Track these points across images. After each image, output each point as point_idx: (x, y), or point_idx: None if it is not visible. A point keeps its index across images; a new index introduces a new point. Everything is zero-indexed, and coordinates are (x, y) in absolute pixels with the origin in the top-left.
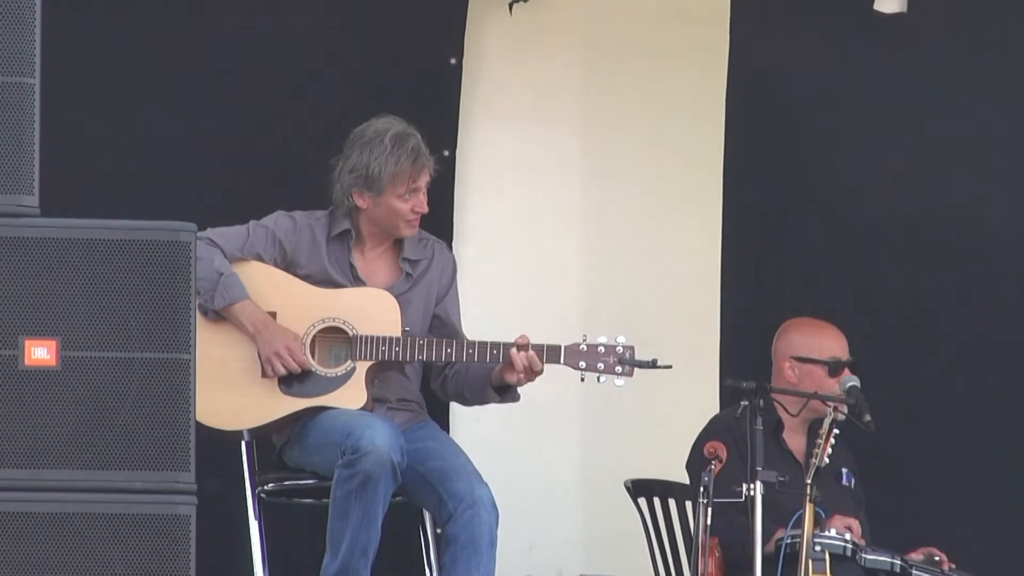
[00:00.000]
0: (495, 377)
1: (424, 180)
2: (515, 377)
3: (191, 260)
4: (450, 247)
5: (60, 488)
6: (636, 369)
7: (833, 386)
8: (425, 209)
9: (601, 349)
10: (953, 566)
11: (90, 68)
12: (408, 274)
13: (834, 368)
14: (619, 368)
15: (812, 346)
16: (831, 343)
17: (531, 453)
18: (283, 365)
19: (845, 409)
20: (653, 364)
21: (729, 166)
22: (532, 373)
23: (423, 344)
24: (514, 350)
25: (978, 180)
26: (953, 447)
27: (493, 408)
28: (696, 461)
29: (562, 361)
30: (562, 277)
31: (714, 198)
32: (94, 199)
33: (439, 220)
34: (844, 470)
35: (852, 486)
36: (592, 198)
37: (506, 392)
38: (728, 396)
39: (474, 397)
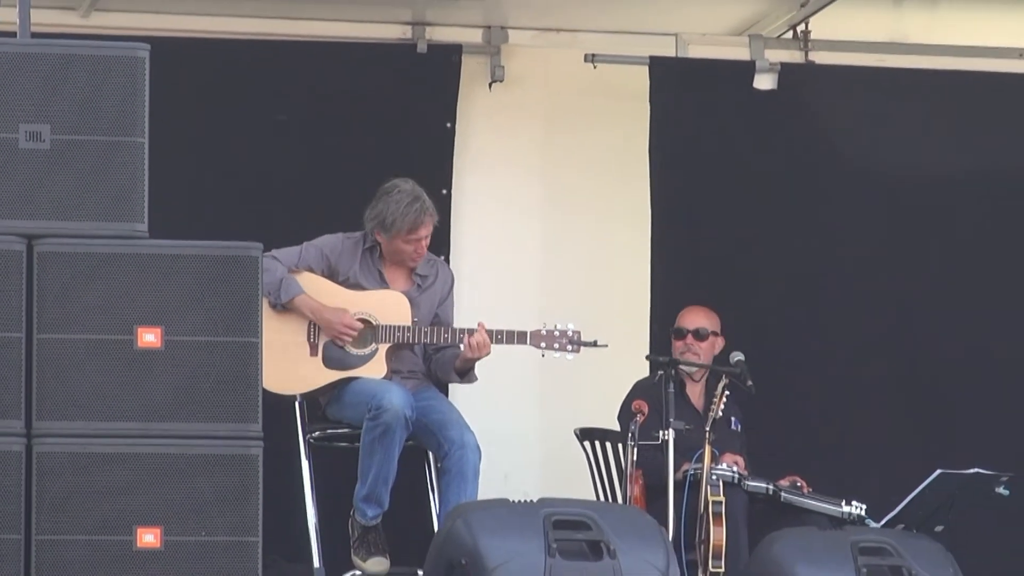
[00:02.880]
0: (459, 364)
1: (424, 232)
2: (470, 352)
3: (258, 270)
4: (448, 261)
5: (165, 436)
6: (582, 348)
7: (705, 351)
8: (423, 253)
9: (556, 333)
10: (810, 489)
11: (189, 127)
12: (419, 285)
13: (677, 334)
14: (569, 347)
15: (687, 321)
16: (697, 319)
17: (505, 409)
18: (345, 334)
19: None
20: (594, 344)
21: (655, 200)
22: (481, 349)
23: (427, 331)
24: (466, 336)
25: (833, 212)
26: (811, 402)
27: (479, 377)
28: (625, 414)
29: (528, 342)
30: (528, 281)
31: (644, 225)
32: (192, 225)
33: (440, 240)
34: (733, 419)
35: (739, 431)
36: (549, 225)
37: (466, 375)
38: (651, 366)
39: (442, 376)
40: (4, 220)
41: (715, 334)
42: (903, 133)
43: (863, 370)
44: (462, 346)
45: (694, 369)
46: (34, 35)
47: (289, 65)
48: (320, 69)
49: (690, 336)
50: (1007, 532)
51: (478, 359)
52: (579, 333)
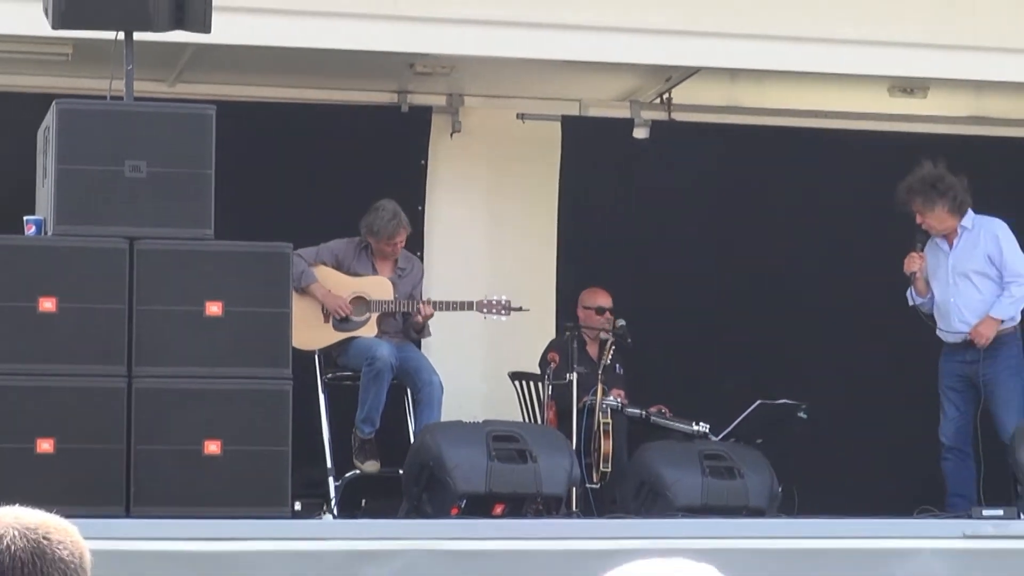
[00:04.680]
0: (414, 324)
1: (399, 239)
2: (419, 317)
3: (289, 263)
4: (421, 259)
5: (225, 376)
6: (512, 312)
7: (601, 321)
8: (399, 252)
9: (494, 301)
10: (671, 414)
11: (243, 164)
12: (399, 274)
13: (598, 312)
14: (503, 312)
15: (589, 300)
16: (598, 299)
17: (460, 357)
18: (341, 313)
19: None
20: (520, 308)
21: (561, 214)
22: (427, 317)
23: (404, 304)
24: (420, 306)
25: (692, 220)
26: (672, 352)
27: (441, 333)
28: (543, 362)
29: (474, 309)
30: (477, 267)
31: (551, 233)
32: (243, 232)
33: (416, 240)
34: (617, 365)
35: (622, 374)
36: (491, 231)
37: (421, 331)
38: (560, 329)
39: (406, 336)
40: (113, 227)
41: (610, 311)
42: (739, 168)
43: (710, 330)
44: (416, 315)
45: (592, 331)
46: (136, 99)
47: (311, 121)
48: (333, 123)
49: (593, 311)
50: (804, 443)
51: (426, 322)
52: (510, 301)
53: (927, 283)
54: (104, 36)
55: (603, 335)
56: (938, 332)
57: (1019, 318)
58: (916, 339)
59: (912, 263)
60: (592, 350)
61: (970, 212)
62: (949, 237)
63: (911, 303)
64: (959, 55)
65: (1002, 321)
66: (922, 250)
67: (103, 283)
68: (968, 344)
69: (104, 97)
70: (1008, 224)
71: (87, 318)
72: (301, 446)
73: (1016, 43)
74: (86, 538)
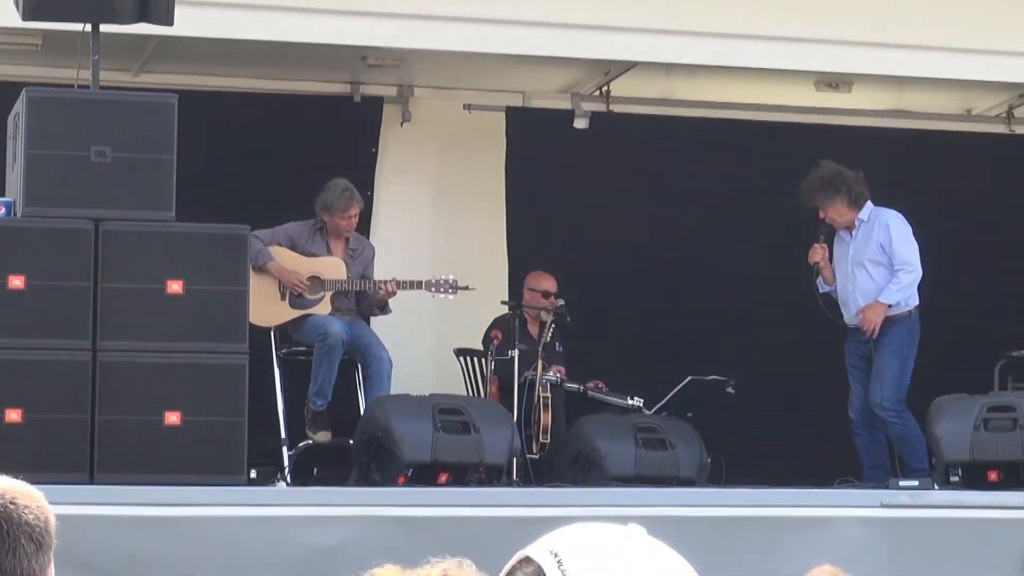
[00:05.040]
0: (377, 301)
1: (353, 212)
2: (382, 294)
3: (246, 245)
4: (371, 236)
5: (185, 351)
6: (459, 291)
7: (545, 303)
8: (353, 227)
9: (442, 281)
10: (607, 389)
11: (204, 148)
12: (351, 255)
13: (544, 295)
14: (450, 290)
15: (535, 283)
16: (543, 283)
17: (409, 334)
18: (298, 288)
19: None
20: (466, 287)
21: (508, 198)
22: (391, 294)
23: (356, 283)
24: (384, 285)
25: (627, 202)
26: (608, 332)
27: (392, 312)
28: (486, 339)
29: (423, 288)
30: (424, 248)
31: (501, 213)
32: (203, 214)
33: (366, 225)
34: (557, 343)
35: (561, 351)
36: (439, 213)
37: (383, 308)
38: (507, 308)
39: (368, 313)
40: (80, 209)
41: (555, 295)
42: (673, 157)
43: (646, 311)
44: (380, 292)
45: (533, 310)
46: (102, 87)
47: (268, 110)
48: (289, 112)
49: (539, 294)
50: (731, 417)
51: (389, 299)
52: (456, 280)
53: (834, 273)
54: (72, 28)
55: (543, 315)
56: (845, 317)
57: (912, 303)
58: (833, 321)
59: (814, 254)
60: (533, 328)
61: (868, 204)
62: (850, 229)
63: (820, 291)
64: (882, 52)
65: (889, 306)
66: (824, 241)
67: (70, 262)
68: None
69: (72, 86)
70: (928, 213)
71: (54, 295)
72: (257, 417)
73: (936, 41)
74: (52, 503)
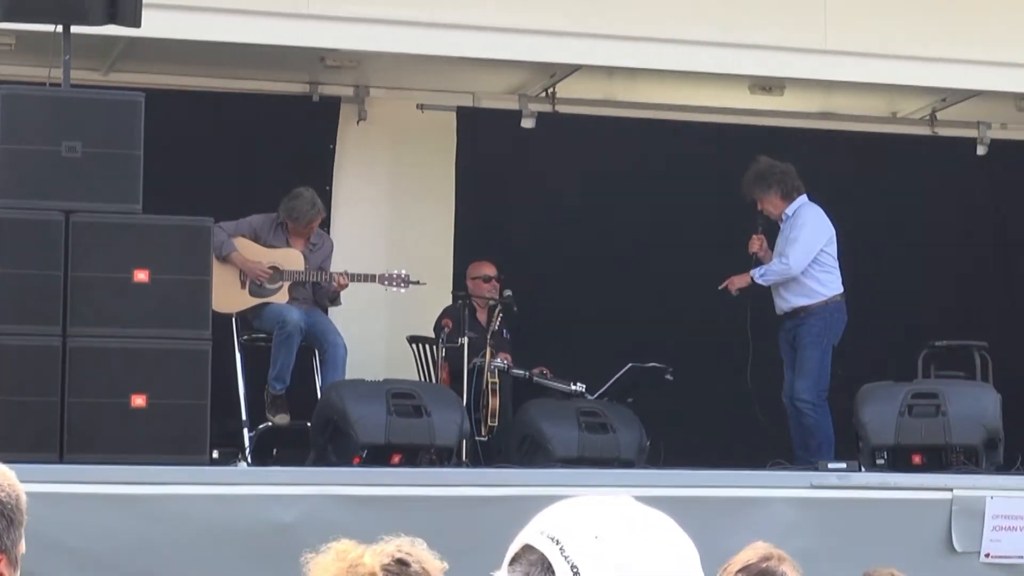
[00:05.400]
0: (329, 294)
1: (315, 224)
2: (335, 286)
3: (210, 236)
4: (330, 230)
5: (151, 336)
6: (410, 285)
7: (488, 289)
8: (313, 232)
9: (394, 275)
10: (551, 375)
11: (169, 144)
12: (311, 248)
13: (484, 280)
14: (402, 284)
15: (475, 271)
16: (483, 269)
17: (363, 323)
18: (260, 278)
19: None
20: (418, 282)
21: (457, 193)
22: (342, 287)
23: (313, 275)
24: (337, 277)
25: (569, 196)
26: (552, 321)
27: (346, 301)
28: (437, 327)
29: (376, 281)
30: (379, 242)
31: (447, 212)
32: (169, 207)
33: (325, 219)
34: (504, 331)
35: (508, 339)
36: (394, 207)
37: (334, 300)
38: (454, 298)
39: (323, 303)
40: (51, 201)
41: (496, 279)
42: (614, 155)
43: (589, 301)
44: (333, 284)
45: (482, 300)
46: (73, 86)
47: (232, 108)
48: (252, 110)
49: (480, 280)
50: (670, 402)
51: (340, 291)
52: (408, 275)
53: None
54: (44, 28)
55: (491, 302)
56: (776, 306)
57: (828, 293)
58: (769, 310)
59: (752, 244)
60: (482, 317)
61: (802, 198)
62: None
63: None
64: (812, 57)
65: (752, 279)
66: (761, 232)
67: (41, 252)
68: (788, 315)
69: (44, 84)
70: (855, 210)
71: (26, 283)
72: (219, 400)
73: (863, 48)
74: (23, 481)
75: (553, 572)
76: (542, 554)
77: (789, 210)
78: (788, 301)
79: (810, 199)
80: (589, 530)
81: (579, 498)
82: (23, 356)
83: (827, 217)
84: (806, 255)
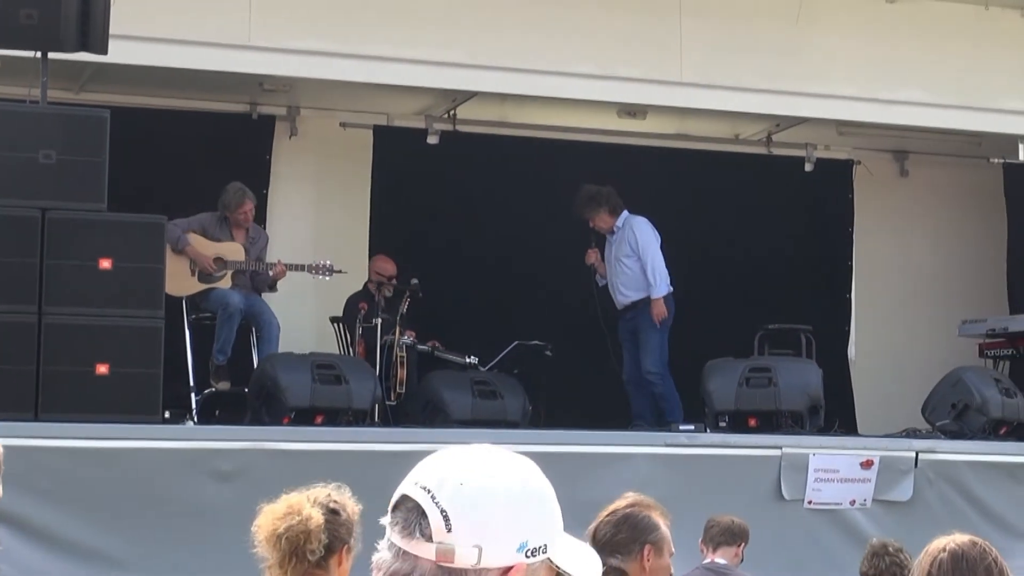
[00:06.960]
0: (269, 280)
1: (247, 207)
2: (275, 275)
3: (163, 231)
4: (266, 227)
5: (112, 316)
6: (333, 273)
7: (384, 279)
8: (250, 219)
9: (321, 265)
10: (445, 348)
11: (132, 153)
12: (251, 242)
13: (388, 279)
14: (327, 272)
15: (377, 270)
16: (382, 267)
17: (295, 305)
18: (209, 268)
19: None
20: (340, 271)
21: (372, 200)
22: (280, 275)
23: (252, 264)
24: (276, 266)
25: (474, 204)
26: (452, 301)
27: (280, 286)
28: (355, 309)
29: (306, 271)
30: (305, 238)
31: (364, 214)
32: (130, 207)
33: (262, 217)
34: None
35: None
36: (319, 209)
37: (272, 287)
38: (365, 284)
39: (261, 289)
40: (29, 200)
41: (394, 276)
42: (506, 169)
43: (481, 288)
44: (271, 272)
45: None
46: (49, 103)
47: (183, 123)
48: (200, 125)
49: (382, 276)
50: (549, 374)
51: (278, 279)
52: (332, 265)
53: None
54: (24, 54)
55: (386, 291)
56: (615, 302)
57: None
58: (604, 311)
59: (588, 257)
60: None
61: (624, 213)
62: (612, 233)
63: (599, 285)
64: (670, 88)
65: (663, 299)
66: (595, 246)
67: (20, 243)
68: (628, 307)
69: (24, 100)
70: (703, 216)
71: (8, 270)
72: (170, 369)
73: (711, 80)
74: (2, 436)
75: (427, 518)
76: (416, 502)
77: (618, 222)
78: (628, 296)
79: (631, 212)
80: (455, 478)
81: (446, 450)
82: (4, 330)
83: (652, 224)
84: (660, 261)
